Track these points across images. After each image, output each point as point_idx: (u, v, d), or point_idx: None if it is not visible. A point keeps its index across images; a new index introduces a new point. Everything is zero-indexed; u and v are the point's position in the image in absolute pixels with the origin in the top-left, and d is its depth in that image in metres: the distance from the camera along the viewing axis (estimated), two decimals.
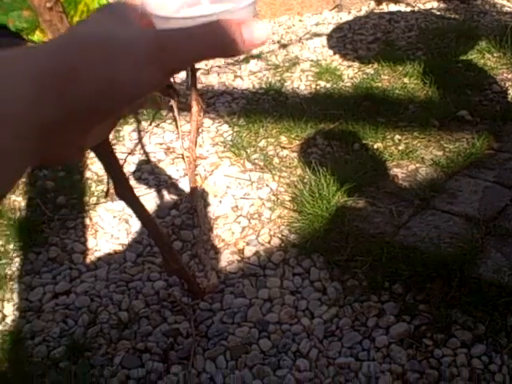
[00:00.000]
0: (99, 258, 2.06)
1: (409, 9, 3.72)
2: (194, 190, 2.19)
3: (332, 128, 2.59)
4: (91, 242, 2.13)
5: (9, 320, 1.86)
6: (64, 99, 0.35)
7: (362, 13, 3.71)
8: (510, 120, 2.62)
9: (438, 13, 3.70)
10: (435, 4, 3.78)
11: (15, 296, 1.93)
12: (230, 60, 3.20)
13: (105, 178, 2.33)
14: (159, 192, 2.32)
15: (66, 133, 0.36)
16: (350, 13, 3.71)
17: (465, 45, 3.22)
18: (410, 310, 1.81)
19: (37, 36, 1.40)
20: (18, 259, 2.05)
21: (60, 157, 0.39)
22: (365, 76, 2.99)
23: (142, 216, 1.18)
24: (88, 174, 2.42)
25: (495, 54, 3.09)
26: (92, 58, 0.35)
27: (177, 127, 2.56)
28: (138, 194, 2.27)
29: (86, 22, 0.40)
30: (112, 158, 1.02)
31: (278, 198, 2.25)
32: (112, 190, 0.98)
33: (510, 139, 2.50)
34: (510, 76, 2.93)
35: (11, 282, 1.97)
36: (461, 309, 1.78)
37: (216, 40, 0.37)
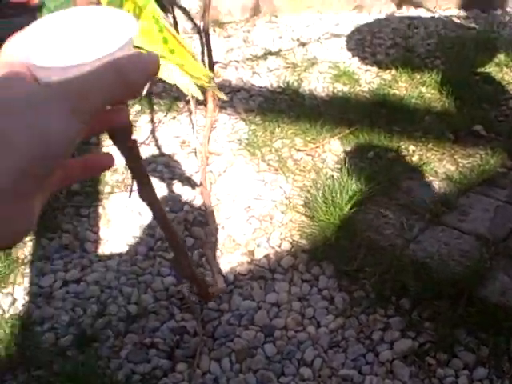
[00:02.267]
0: (111, 249, 2.07)
1: (429, 15, 3.71)
2: (204, 187, 2.20)
3: (348, 133, 2.60)
4: (104, 232, 2.14)
5: (19, 304, 1.88)
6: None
7: (382, 15, 3.69)
8: None
9: (458, 21, 3.69)
10: (455, 11, 3.76)
11: (26, 280, 1.94)
12: (248, 55, 3.19)
13: (119, 167, 2.34)
14: (173, 186, 2.33)
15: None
16: (370, 13, 3.69)
17: (483, 56, 3.21)
18: (416, 326, 1.82)
19: None
20: (30, 243, 2.06)
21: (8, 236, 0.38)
22: (382, 82, 2.99)
23: (160, 220, 1.19)
24: None
25: None
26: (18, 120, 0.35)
27: (191, 121, 2.56)
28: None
29: None
30: (138, 162, 1.04)
31: (290, 202, 2.26)
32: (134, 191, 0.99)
33: None
34: None
35: (23, 266, 1.98)
36: (466, 329, 1.79)
37: (127, 79, 0.38)
